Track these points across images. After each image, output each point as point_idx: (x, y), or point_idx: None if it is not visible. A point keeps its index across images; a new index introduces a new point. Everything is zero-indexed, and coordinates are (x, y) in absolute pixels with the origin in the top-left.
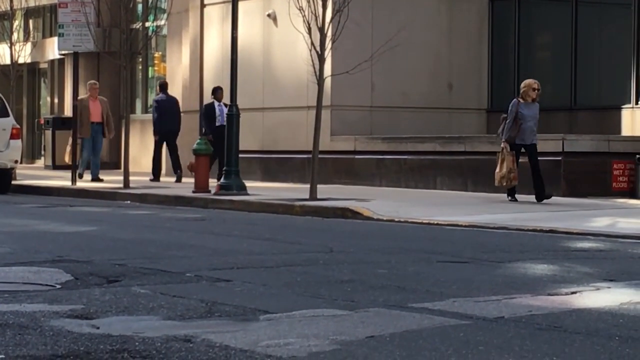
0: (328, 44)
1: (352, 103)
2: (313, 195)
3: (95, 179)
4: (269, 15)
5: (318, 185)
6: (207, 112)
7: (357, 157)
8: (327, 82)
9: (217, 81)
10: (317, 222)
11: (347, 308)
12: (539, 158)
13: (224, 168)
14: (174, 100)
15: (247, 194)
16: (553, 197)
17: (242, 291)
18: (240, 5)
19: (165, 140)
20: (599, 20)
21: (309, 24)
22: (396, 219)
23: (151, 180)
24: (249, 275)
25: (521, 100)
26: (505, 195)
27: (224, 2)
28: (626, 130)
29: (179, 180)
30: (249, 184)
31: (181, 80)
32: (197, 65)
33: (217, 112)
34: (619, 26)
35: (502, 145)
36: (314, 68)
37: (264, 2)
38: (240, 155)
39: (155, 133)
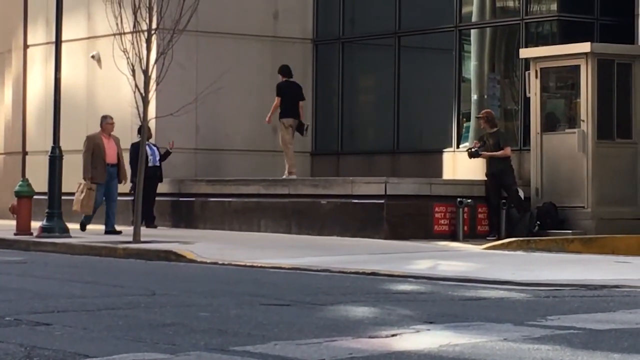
0: (152, 85)
1: (177, 145)
2: (137, 238)
3: (112, 230)
4: (93, 57)
5: (142, 228)
6: (135, 153)
7: (181, 199)
8: (152, 124)
9: (41, 122)
10: (141, 265)
11: (168, 352)
12: None
13: (47, 210)
14: None
15: (70, 237)
16: (376, 240)
17: (62, 335)
18: (64, 46)
19: None
20: (422, 65)
21: (133, 66)
22: (220, 262)
23: None
24: (70, 319)
25: None
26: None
27: (47, 43)
28: (447, 173)
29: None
30: (71, 225)
31: (3, 120)
32: (20, 106)
33: (149, 152)
34: (441, 71)
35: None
36: (138, 110)
37: (88, 43)
38: (63, 198)
39: None
